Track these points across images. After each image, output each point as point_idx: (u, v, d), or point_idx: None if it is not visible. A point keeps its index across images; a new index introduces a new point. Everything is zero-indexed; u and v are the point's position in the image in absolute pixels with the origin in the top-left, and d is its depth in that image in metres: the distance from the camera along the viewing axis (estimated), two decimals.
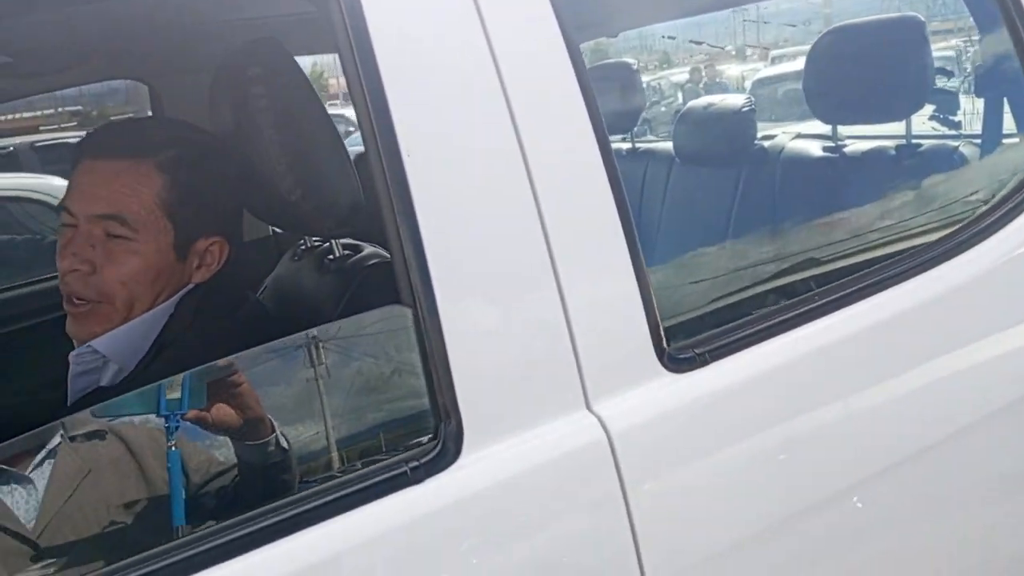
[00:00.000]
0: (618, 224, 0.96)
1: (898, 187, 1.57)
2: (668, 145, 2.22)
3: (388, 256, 1.27)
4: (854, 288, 1.12)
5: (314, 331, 0.94)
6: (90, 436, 0.92)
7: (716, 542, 1.00)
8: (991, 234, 1.23)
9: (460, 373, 0.88)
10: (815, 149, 1.87)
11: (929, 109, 1.71)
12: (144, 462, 0.90)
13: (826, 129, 1.85)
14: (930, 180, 1.63)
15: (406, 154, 0.87)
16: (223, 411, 0.89)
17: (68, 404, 1.17)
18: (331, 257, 1.38)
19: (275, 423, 0.91)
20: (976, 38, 1.59)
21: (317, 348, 0.93)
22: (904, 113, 1.67)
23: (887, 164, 1.71)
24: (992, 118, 1.53)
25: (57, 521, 0.87)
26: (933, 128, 1.73)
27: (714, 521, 1.00)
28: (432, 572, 0.86)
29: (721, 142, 2.06)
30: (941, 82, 1.79)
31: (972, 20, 1.59)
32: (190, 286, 1.18)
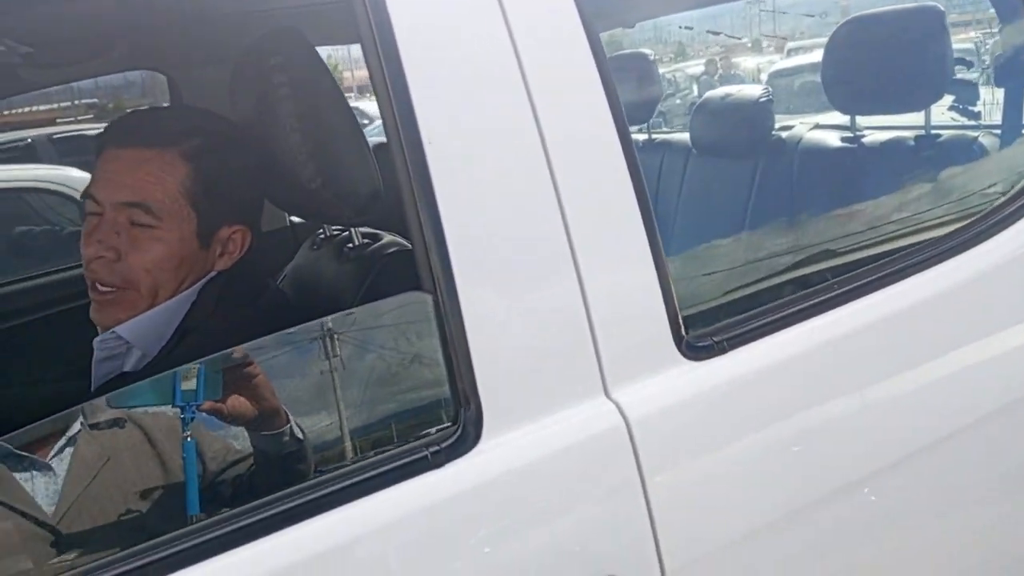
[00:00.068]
0: (637, 212, 0.96)
1: (916, 177, 1.57)
2: (684, 136, 2.21)
3: (407, 244, 1.28)
4: (872, 277, 1.12)
5: (334, 318, 0.95)
6: (110, 424, 0.94)
7: (733, 530, 1.00)
8: (1009, 224, 1.22)
9: (480, 359, 0.88)
10: (833, 140, 1.86)
11: (948, 99, 1.70)
12: (162, 449, 0.91)
13: (844, 120, 1.85)
14: (949, 170, 1.63)
15: (427, 141, 0.87)
16: (238, 402, 0.90)
17: (92, 390, 1.19)
18: (350, 246, 1.39)
19: (289, 413, 0.92)
20: (996, 28, 1.58)
21: (338, 335, 0.94)
22: (923, 103, 1.66)
23: (905, 154, 1.70)
24: (1012, 108, 1.52)
25: (77, 507, 0.89)
26: (952, 119, 1.72)
27: (731, 509, 1.00)
28: (452, 554, 0.87)
29: (739, 132, 2.05)
30: (960, 72, 1.78)
31: (992, 10, 1.58)
32: (212, 274, 1.20)
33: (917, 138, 1.71)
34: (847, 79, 1.74)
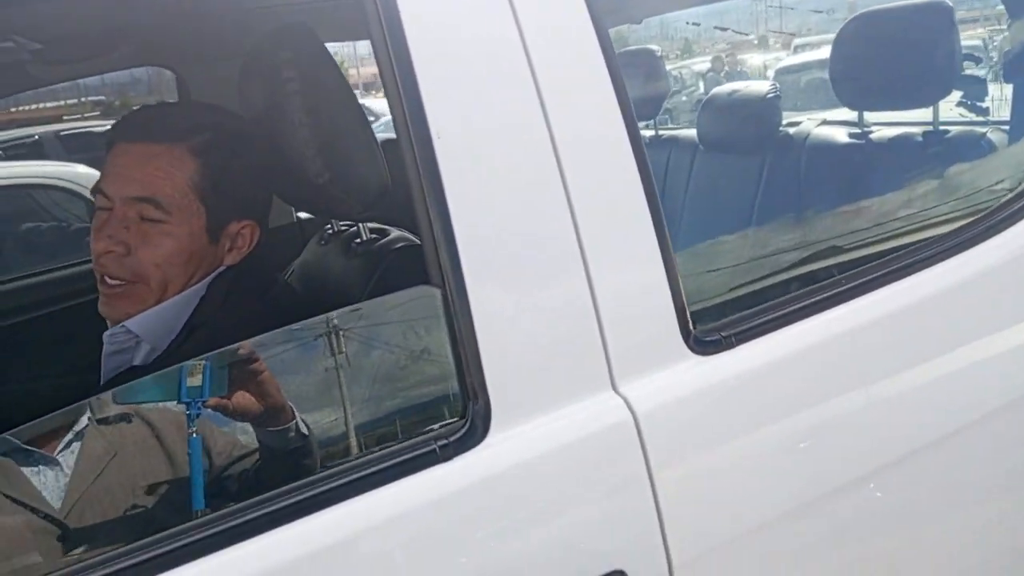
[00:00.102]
0: (645, 207, 0.96)
1: (924, 173, 1.56)
2: (691, 132, 2.21)
3: (415, 240, 1.29)
4: (879, 273, 1.11)
5: (342, 313, 0.96)
6: (117, 419, 0.94)
7: (740, 524, 1.00)
8: (1017, 220, 1.22)
9: (488, 353, 0.89)
10: (841, 135, 1.86)
11: (956, 95, 1.70)
12: (169, 444, 0.91)
13: (852, 116, 1.84)
14: (956, 166, 1.62)
15: (436, 136, 0.87)
16: (243, 398, 0.91)
17: (101, 383, 1.19)
18: (358, 241, 1.39)
19: (295, 409, 0.93)
20: (1005, 24, 1.58)
21: (346, 330, 0.95)
22: (931, 99, 1.66)
23: (913, 150, 1.70)
24: (1020, 104, 1.52)
25: (84, 501, 0.89)
26: (960, 115, 1.71)
27: (738, 503, 1.01)
28: (460, 547, 0.87)
29: (746, 129, 2.05)
30: (969, 68, 1.78)
31: (1001, 6, 1.58)
32: (221, 268, 1.20)
33: (925, 134, 1.70)
34: (855, 75, 1.73)
